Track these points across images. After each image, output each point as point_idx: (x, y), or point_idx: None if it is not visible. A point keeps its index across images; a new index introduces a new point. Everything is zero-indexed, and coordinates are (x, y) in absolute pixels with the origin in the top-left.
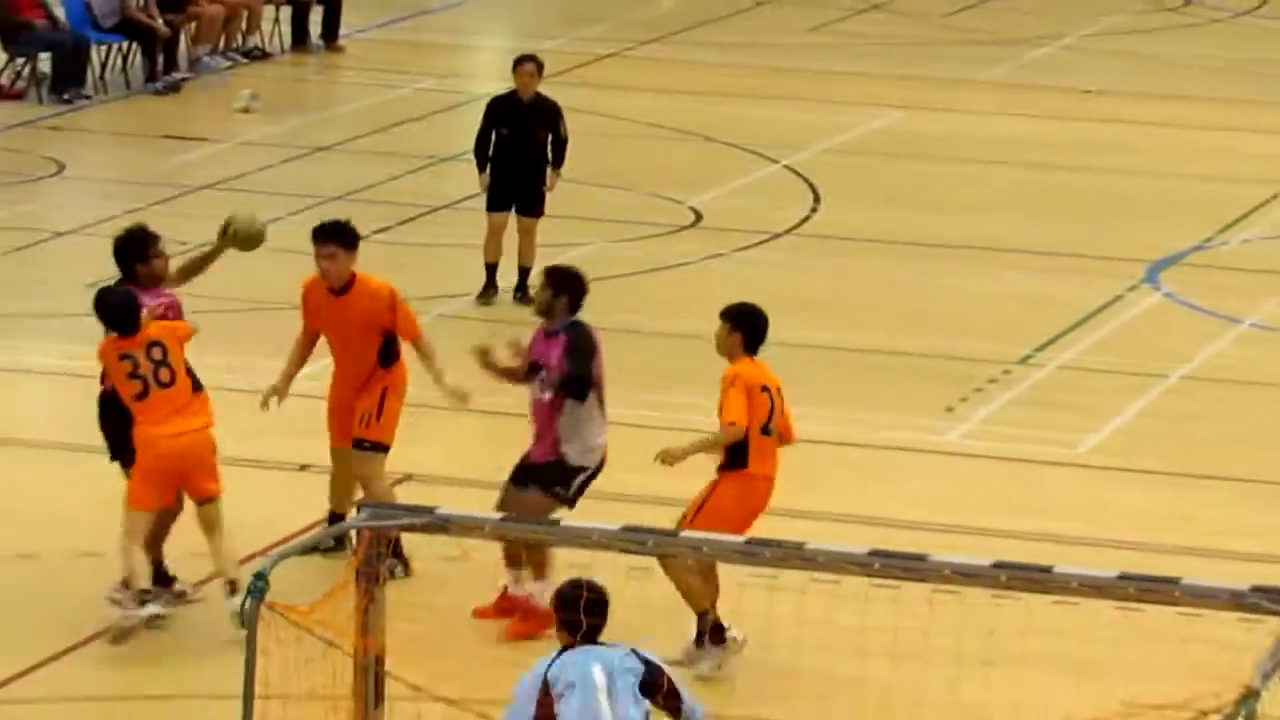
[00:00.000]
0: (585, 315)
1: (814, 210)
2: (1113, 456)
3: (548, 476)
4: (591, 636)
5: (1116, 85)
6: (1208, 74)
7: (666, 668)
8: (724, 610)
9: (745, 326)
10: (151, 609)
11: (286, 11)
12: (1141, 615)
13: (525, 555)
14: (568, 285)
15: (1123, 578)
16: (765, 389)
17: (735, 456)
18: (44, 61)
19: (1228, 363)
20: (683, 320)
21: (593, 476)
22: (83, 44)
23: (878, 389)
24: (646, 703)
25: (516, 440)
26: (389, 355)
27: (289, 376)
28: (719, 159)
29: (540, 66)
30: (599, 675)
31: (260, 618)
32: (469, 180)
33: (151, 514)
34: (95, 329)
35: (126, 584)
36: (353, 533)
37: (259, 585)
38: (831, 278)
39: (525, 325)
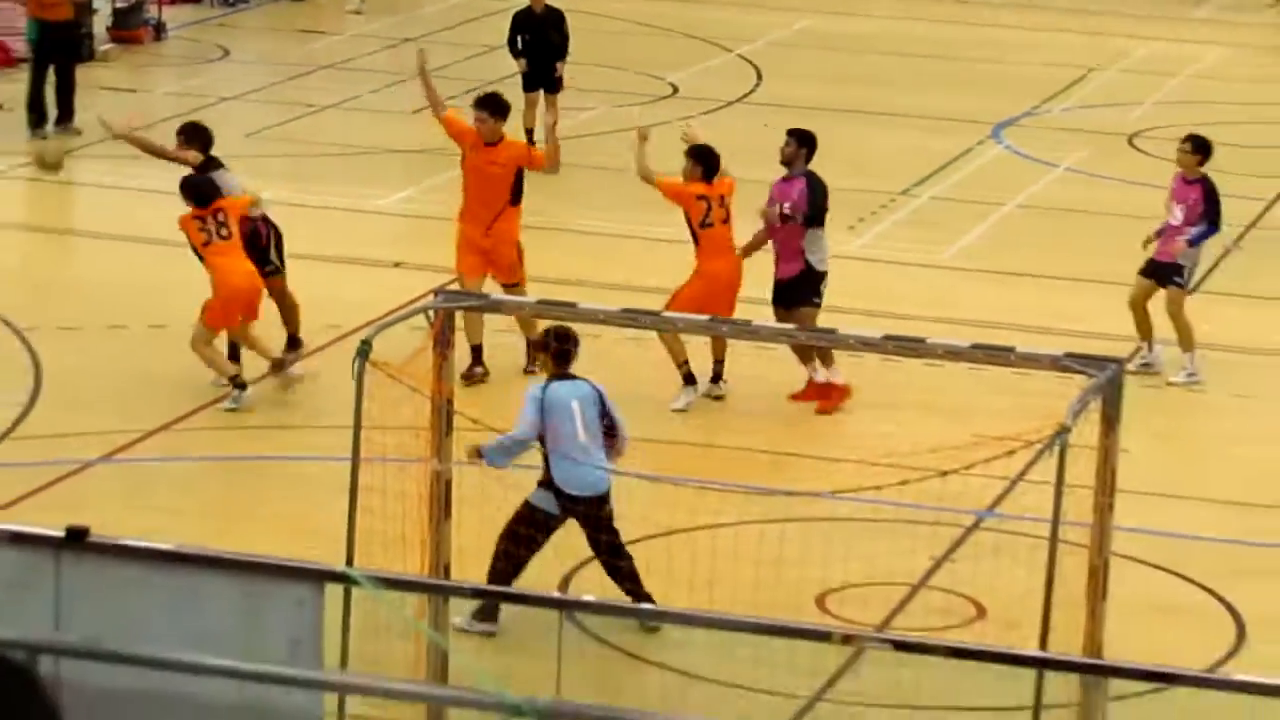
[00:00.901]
0: (590, 157)
1: (757, 86)
2: (967, 260)
3: (805, 287)
4: (568, 361)
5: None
6: None
7: (605, 393)
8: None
9: (702, 160)
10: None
11: None
12: (987, 373)
13: (813, 351)
14: (807, 141)
15: (974, 346)
16: (703, 197)
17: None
18: None
19: (1050, 197)
20: (664, 164)
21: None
22: None
23: None
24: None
25: (556, 246)
26: (517, 194)
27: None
28: (690, 48)
29: None
30: (575, 407)
31: (365, 371)
32: (511, 63)
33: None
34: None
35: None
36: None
37: (365, 348)
38: (767, 133)
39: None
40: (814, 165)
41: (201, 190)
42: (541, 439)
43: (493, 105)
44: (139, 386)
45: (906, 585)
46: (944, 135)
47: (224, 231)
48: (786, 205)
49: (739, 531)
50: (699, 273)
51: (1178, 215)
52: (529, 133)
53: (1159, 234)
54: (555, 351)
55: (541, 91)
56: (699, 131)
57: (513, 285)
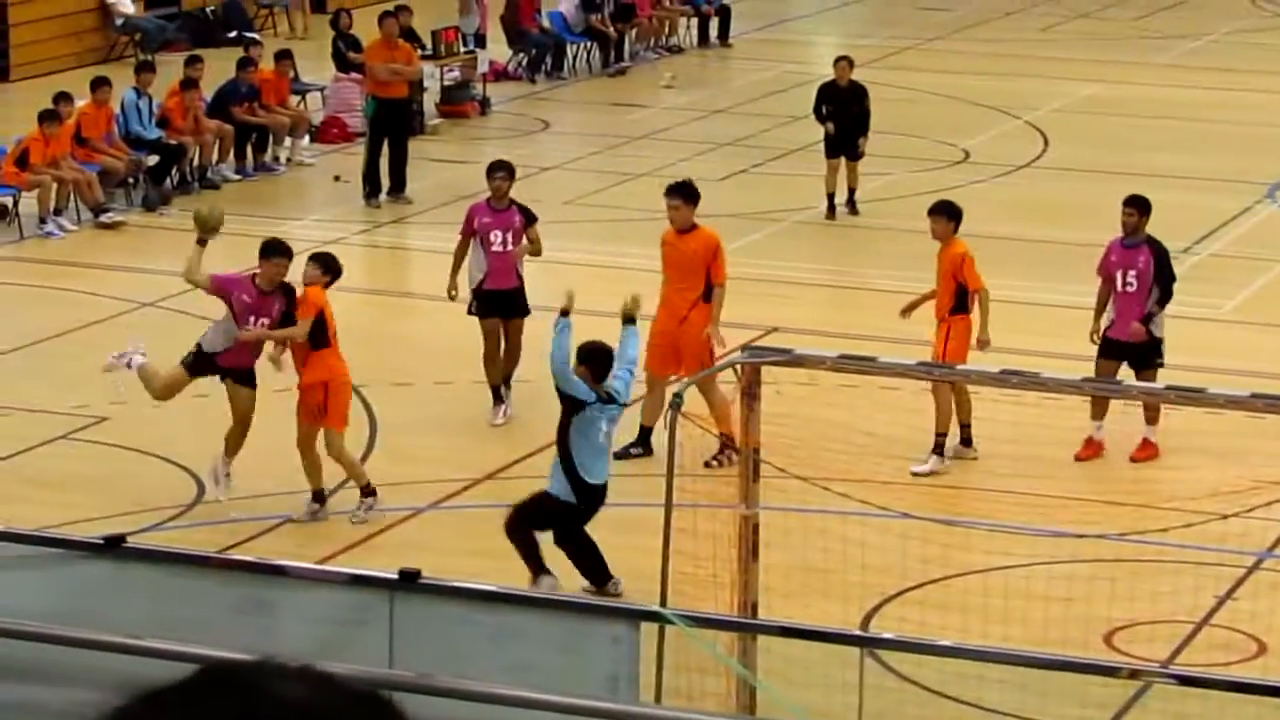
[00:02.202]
0: (888, 219)
1: (1044, 151)
2: (1247, 314)
3: (1148, 354)
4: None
5: (1244, 65)
6: None
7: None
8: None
9: (956, 217)
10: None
11: (695, 20)
12: (1265, 421)
13: (1157, 414)
14: (1147, 209)
15: (1254, 395)
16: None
17: (959, 304)
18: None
19: None
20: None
21: None
22: (561, 43)
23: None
24: None
25: (855, 304)
26: (709, 292)
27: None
28: (980, 116)
29: (851, 63)
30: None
31: (679, 424)
32: (815, 132)
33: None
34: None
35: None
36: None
37: (678, 400)
38: (1054, 195)
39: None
40: (1099, 225)
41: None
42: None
43: (685, 192)
44: (466, 438)
45: (1191, 623)
46: (1221, 195)
47: None
48: (1132, 273)
49: (1030, 572)
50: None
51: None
52: (830, 196)
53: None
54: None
55: (843, 159)
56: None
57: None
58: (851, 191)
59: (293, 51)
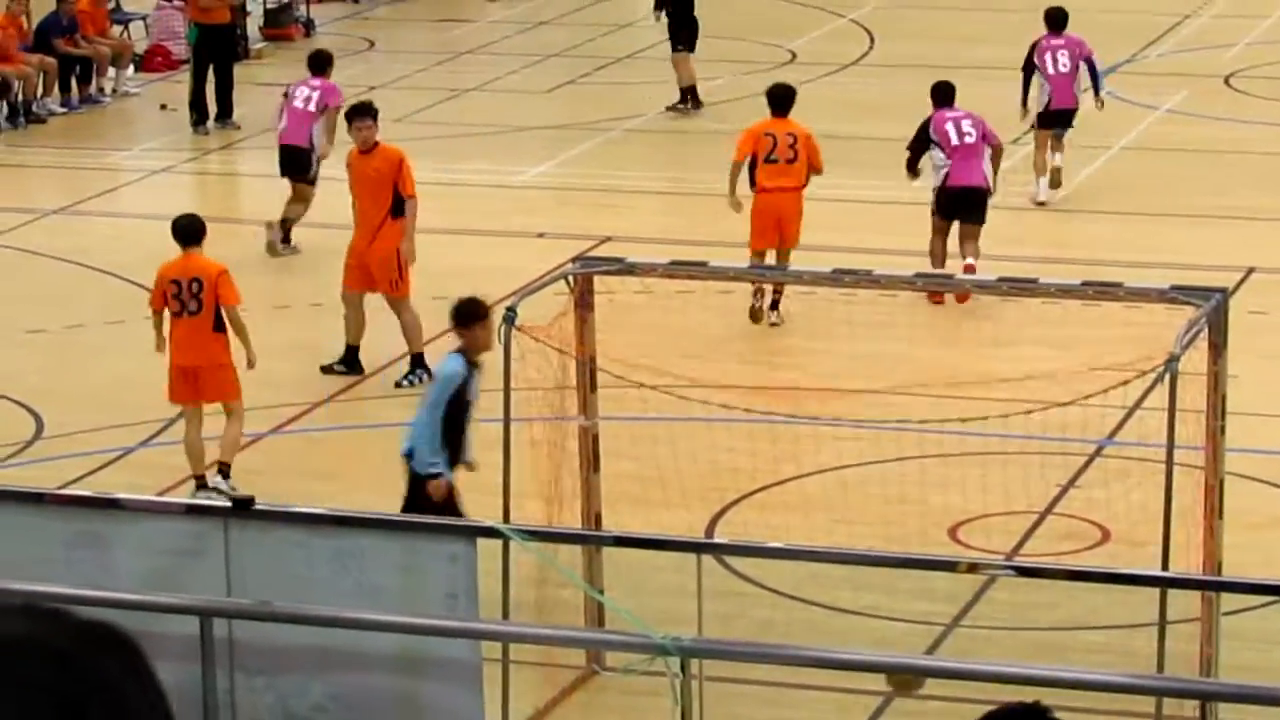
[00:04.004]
0: (720, 123)
1: (870, 49)
2: (1077, 202)
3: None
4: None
5: None
6: None
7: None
8: None
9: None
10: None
11: None
12: (1099, 309)
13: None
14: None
15: (1085, 283)
16: (769, 134)
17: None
18: None
19: (1153, 138)
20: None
21: None
22: None
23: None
24: None
25: (688, 210)
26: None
27: None
28: (805, 16)
29: None
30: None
31: (513, 336)
32: (642, 39)
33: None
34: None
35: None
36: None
37: (511, 314)
38: (881, 92)
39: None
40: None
41: None
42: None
43: (373, 112)
44: (301, 363)
45: (1034, 513)
46: None
47: None
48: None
49: (869, 470)
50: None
51: None
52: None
53: None
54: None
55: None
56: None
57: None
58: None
59: None
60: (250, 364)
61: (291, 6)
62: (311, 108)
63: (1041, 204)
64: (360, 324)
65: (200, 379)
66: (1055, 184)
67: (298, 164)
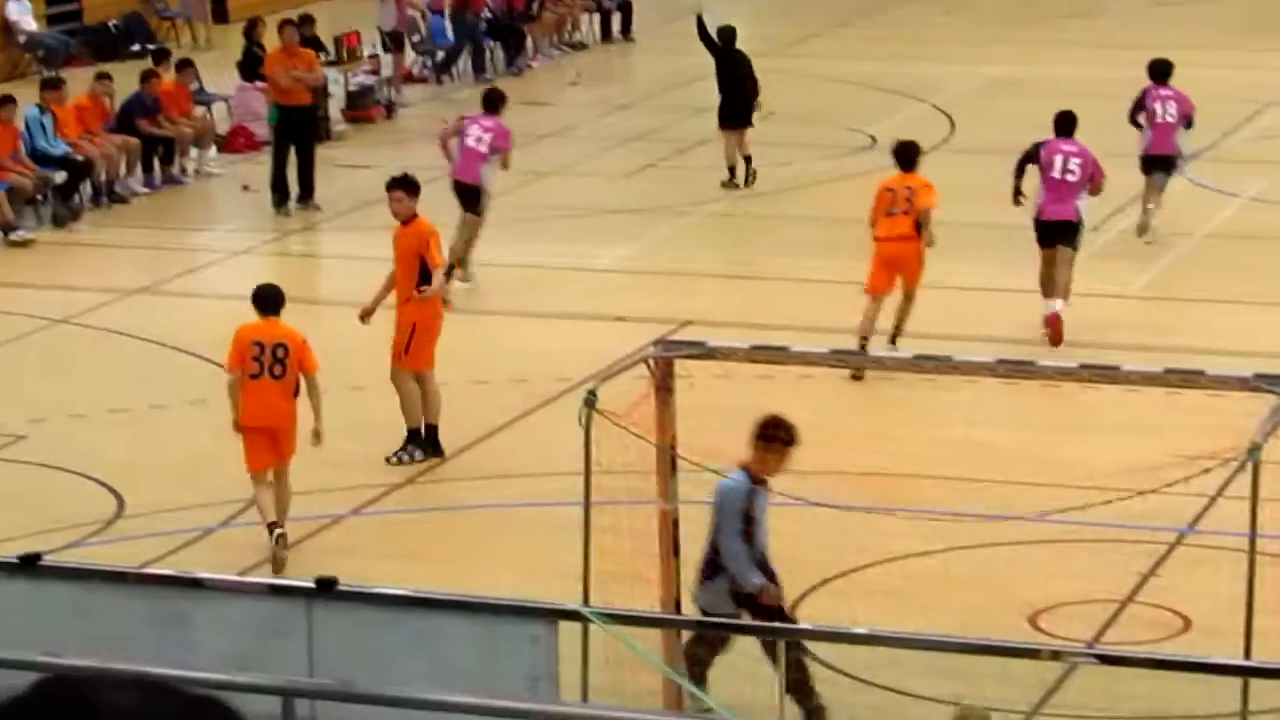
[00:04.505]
0: (793, 208)
1: (951, 134)
2: (1157, 290)
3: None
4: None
5: (1149, 41)
6: (1222, 32)
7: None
8: None
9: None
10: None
11: (597, 15)
12: (1181, 396)
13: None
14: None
15: (1168, 371)
16: (890, 189)
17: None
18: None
19: (1235, 226)
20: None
21: None
22: (480, 42)
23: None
24: None
25: (767, 294)
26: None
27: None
28: (886, 101)
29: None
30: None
31: (593, 419)
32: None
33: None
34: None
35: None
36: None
37: (591, 397)
38: (961, 177)
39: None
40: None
41: None
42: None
43: (406, 184)
44: (379, 444)
45: (1114, 601)
46: (1129, 171)
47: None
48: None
49: (949, 556)
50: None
51: None
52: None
53: None
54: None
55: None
56: None
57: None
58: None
59: (194, 61)
60: (317, 434)
61: (373, 88)
62: (483, 148)
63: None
64: (419, 402)
65: (278, 439)
66: (1143, 230)
67: (469, 198)
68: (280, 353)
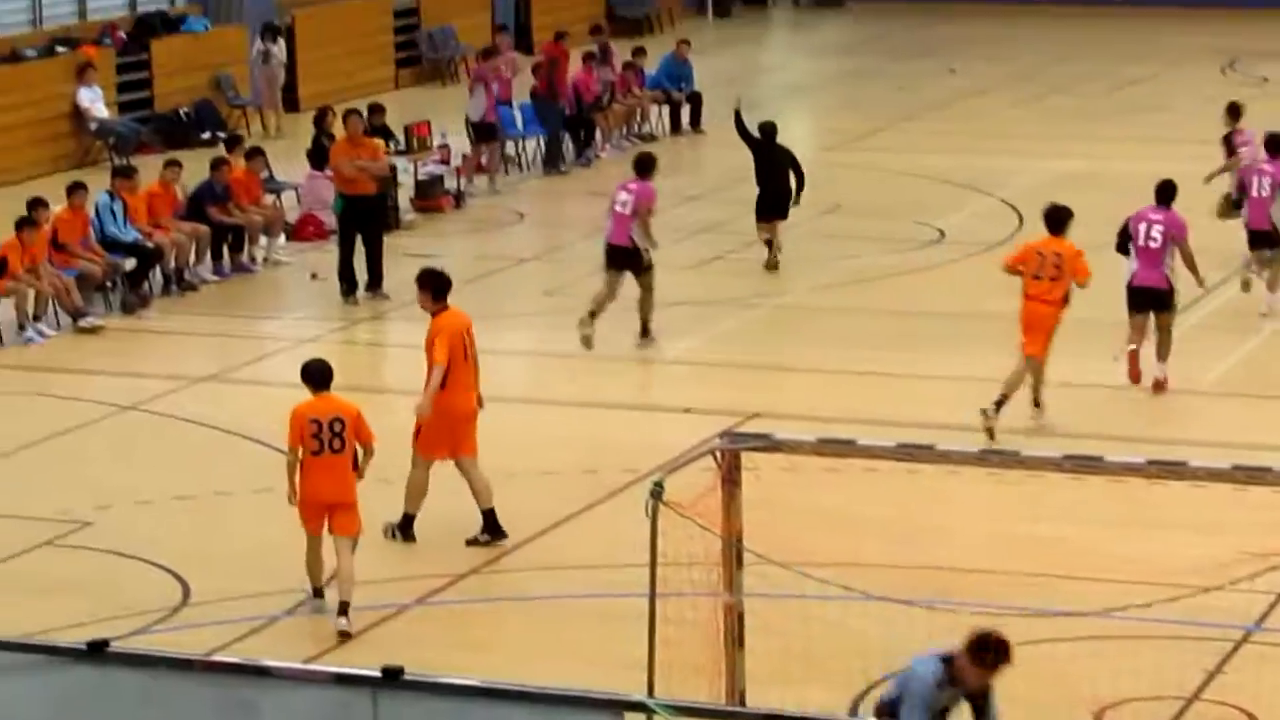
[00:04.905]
0: (862, 300)
1: (1019, 228)
2: (1226, 386)
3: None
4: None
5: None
6: None
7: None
8: None
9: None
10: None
11: (667, 108)
12: (1247, 493)
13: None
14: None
15: (1235, 467)
16: (1040, 252)
17: None
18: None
19: None
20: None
21: None
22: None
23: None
24: None
25: (836, 387)
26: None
27: None
28: (954, 195)
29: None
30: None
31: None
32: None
33: None
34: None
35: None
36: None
37: (658, 489)
38: None
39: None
40: (1078, 298)
41: None
42: None
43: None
44: (448, 533)
45: (1181, 698)
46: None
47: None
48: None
49: (1017, 651)
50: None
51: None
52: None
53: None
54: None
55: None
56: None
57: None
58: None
59: (264, 150)
60: (360, 472)
61: (442, 178)
62: (627, 210)
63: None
64: (416, 491)
65: (335, 514)
66: (1245, 287)
67: (630, 261)
68: (338, 427)
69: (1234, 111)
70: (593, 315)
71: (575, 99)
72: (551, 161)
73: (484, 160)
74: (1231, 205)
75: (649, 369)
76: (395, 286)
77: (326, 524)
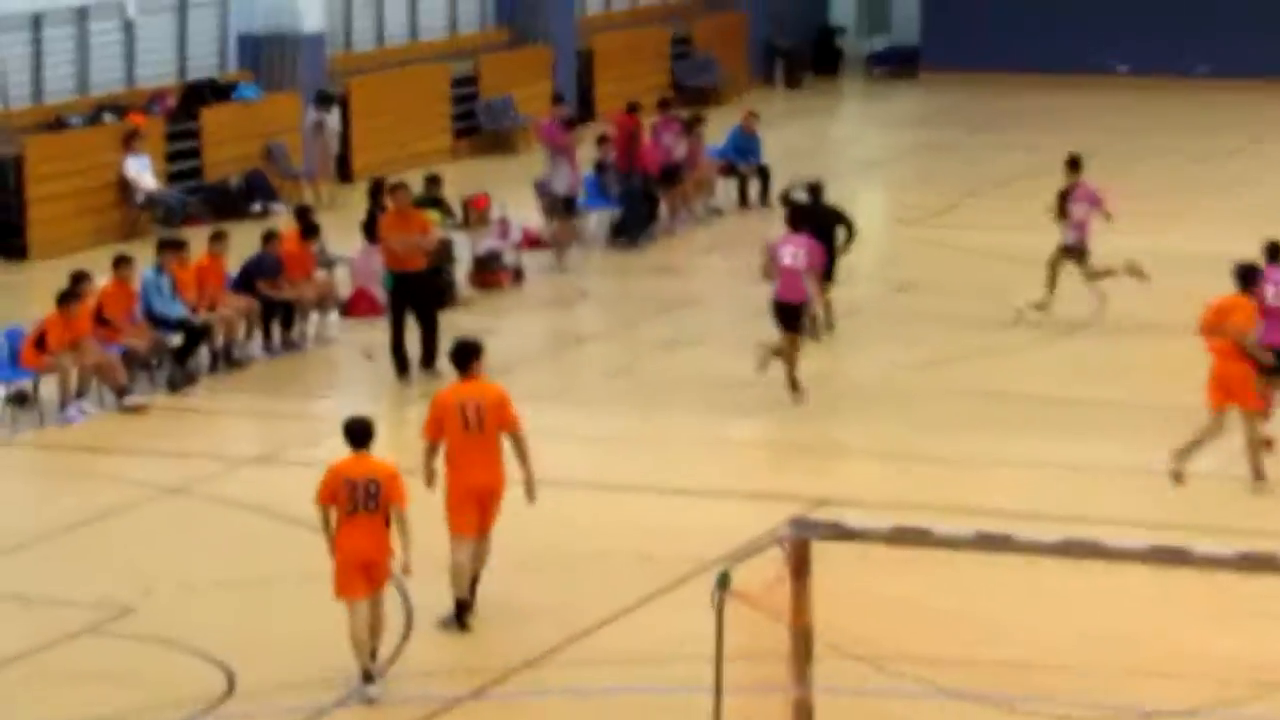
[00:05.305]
0: (940, 382)
1: (1104, 307)
2: None
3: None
4: None
5: None
6: None
7: None
8: None
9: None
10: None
11: (734, 181)
12: None
13: None
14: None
15: None
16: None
17: None
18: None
19: None
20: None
21: None
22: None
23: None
24: None
25: (909, 473)
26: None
27: None
28: (1033, 273)
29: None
30: None
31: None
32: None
33: None
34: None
35: None
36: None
37: (724, 579)
38: (1116, 353)
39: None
40: (1169, 383)
41: None
42: None
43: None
44: (503, 621)
45: None
46: None
47: None
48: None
49: None
50: None
51: None
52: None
53: None
54: None
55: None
56: None
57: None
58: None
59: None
60: (406, 569)
61: (501, 254)
62: (799, 264)
63: None
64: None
65: (372, 572)
66: None
67: (793, 318)
68: (373, 489)
69: None
70: (794, 385)
71: (641, 171)
72: (625, 236)
73: (553, 234)
74: None
75: (713, 451)
76: (448, 367)
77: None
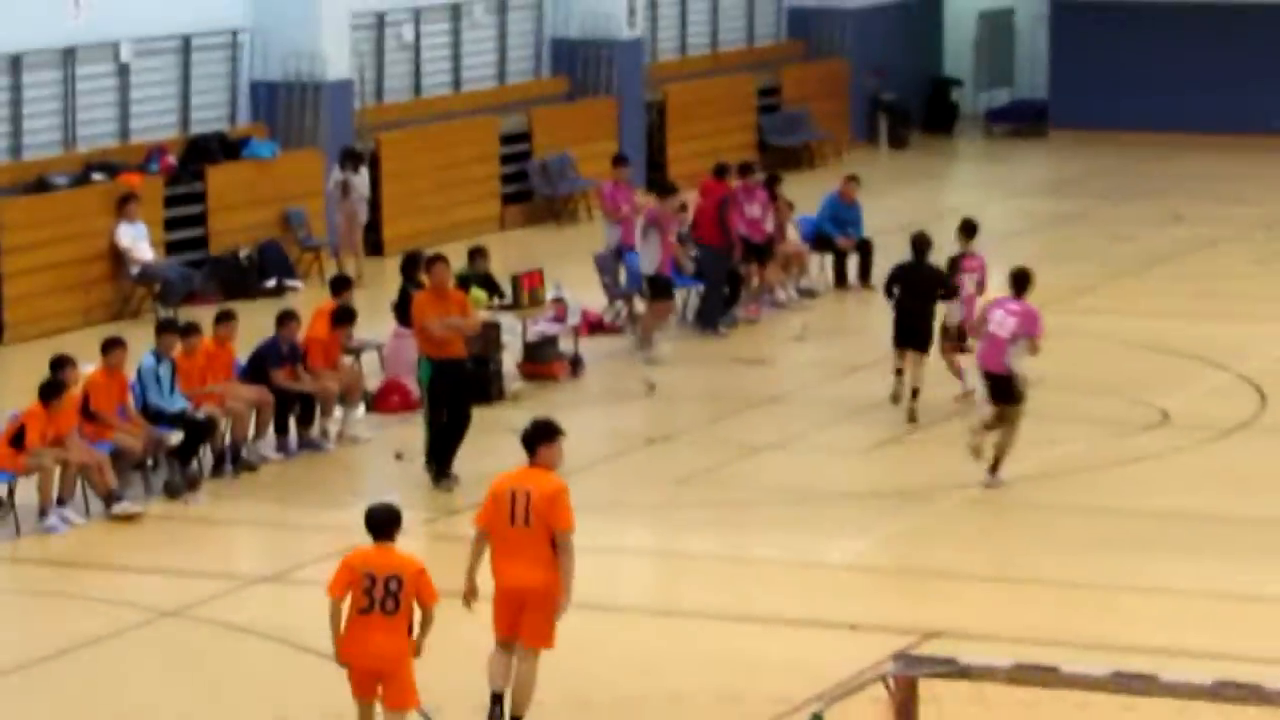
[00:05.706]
0: (1073, 496)
1: (1261, 410)
2: None
3: None
4: None
5: None
6: None
7: None
8: None
9: None
10: None
11: (830, 258)
12: None
13: None
14: None
15: None
16: None
17: None
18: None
19: None
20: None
21: None
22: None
23: None
24: None
25: (1031, 601)
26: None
27: None
28: (1181, 368)
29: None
30: None
31: None
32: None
33: None
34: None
35: None
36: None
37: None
38: (1270, 465)
39: None
40: None
41: None
42: None
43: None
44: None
45: None
46: None
47: None
48: None
49: None
50: None
51: None
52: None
53: None
54: None
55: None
56: None
57: None
58: (915, 391)
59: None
60: (417, 648)
61: (556, 339)
62: (1004, 332)
63: None
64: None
65: (386, 683)
66: None
67: (1000, 388)
68: (394, 585)
69: None
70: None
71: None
72: (708, 320)
73: (606, 320)
74: None
75: (805, 574)
76: (495, 467)
77: (379, 696)
